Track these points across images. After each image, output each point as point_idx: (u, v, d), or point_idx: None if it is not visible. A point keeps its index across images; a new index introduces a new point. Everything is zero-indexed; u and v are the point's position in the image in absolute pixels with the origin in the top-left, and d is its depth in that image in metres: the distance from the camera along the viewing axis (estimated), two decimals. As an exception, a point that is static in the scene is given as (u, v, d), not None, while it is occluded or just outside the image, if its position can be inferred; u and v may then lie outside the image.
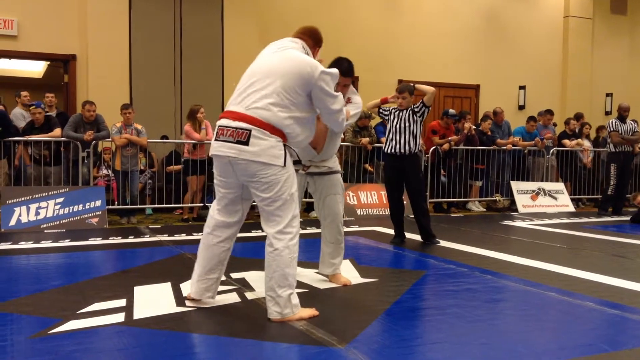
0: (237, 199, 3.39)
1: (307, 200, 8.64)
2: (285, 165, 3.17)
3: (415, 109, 6.26)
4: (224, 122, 3.21)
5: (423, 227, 6.14)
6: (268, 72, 3.22)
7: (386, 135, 6.26)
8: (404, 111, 6.17)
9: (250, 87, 3.22)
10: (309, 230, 6.83)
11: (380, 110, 6.27)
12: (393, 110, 6.22)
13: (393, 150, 6.07)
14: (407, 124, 6.12)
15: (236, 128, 3.13)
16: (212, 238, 3.45)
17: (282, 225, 3.20)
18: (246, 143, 3.10)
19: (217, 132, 3.24)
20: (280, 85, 3.16)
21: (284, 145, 3.19)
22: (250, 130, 3.10)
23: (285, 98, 3.16)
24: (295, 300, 3.26)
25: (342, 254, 4.24)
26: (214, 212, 3.46)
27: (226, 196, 3.39)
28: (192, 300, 3.54)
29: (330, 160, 4.15)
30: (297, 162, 3.48)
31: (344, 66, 4.02)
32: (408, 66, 11.69)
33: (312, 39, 3.58)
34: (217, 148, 3.22)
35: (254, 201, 3.38)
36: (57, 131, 7.41)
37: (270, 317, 3.23)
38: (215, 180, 3.42)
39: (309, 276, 4.38)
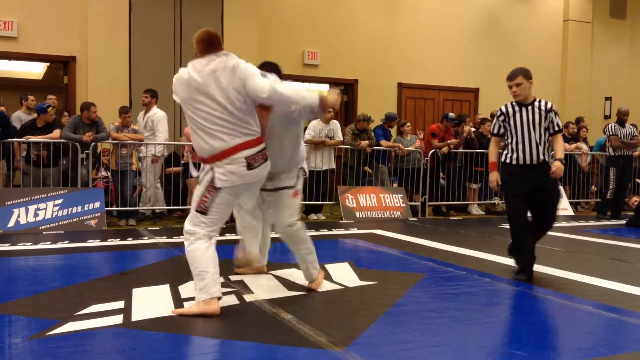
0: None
1: (307, 202, 8.65)
2: None
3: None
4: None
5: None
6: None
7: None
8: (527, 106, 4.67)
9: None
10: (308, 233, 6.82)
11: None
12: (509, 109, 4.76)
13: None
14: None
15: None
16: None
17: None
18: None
19: (248, 162, 3.41)
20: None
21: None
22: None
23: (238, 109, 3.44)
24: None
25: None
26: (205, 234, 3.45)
27: (224, 218, 3.55)
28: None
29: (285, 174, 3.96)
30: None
31: (266, 66, 3.91)
32: (408, 69, 11.71)
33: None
34: (256, 174, 3.47)
35: None
36: (57, 132, 7.41)
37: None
38: (223, 209, 3.47)
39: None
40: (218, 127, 3.36)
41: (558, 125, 4.62)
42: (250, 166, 3.42)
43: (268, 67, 3.90)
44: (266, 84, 3.42)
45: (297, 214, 4.03)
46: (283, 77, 3.87)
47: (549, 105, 4.65)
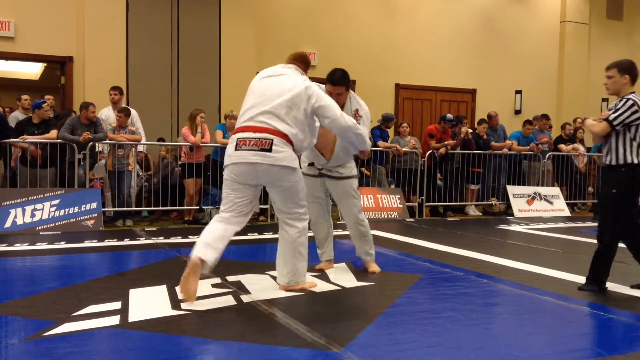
0: (247, 204, 3.88)
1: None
2: (298, 168, 3.82)
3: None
4: (244, 134, 3.75)
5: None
6: (272, 94, 3.78)
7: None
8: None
9: (258, 106, 3.78)
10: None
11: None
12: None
13: None
14: None
15: (260, 138, 3.69)
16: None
17: (299, 214, 3.91)
18: (269, 150, 3.67)
19: (237, 143, 3.75)
20: (290, 103, 3.74)
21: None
22: (272, 140, 3.68)
23: (289, 114, 3.73)
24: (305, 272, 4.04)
25: (372, 245, 4.76)
26: (219, 217, 3.86)
27: (236, 202, 3.85)
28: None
29: (343, 166, 4.50)
30: (311, 165, 4.50)
31: (335, 75, 4.34)
32: (405, 70, 11.72)
33: (304, 64, 4.10)
34: (240, 156, 3.73)
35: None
36: (54, 132, 7.40)
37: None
38: (227, 190, 3.86)
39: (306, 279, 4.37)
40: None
41: None
42: (237, 147, 3.74)
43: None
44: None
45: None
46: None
47: None
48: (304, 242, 3.96)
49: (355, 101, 4.47)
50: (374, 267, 4.74)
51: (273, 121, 3.71)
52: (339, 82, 4.31)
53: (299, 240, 3.93)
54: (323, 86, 4.35)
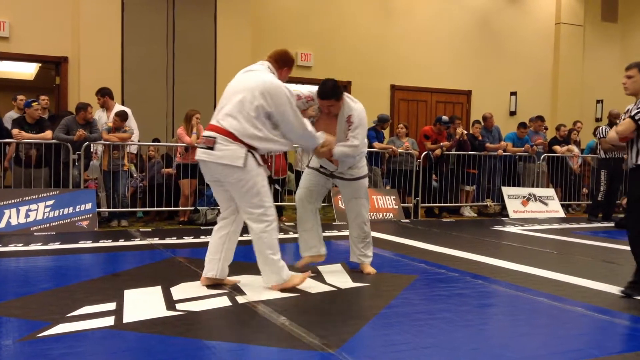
0: (226, 200, 4.01)
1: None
2: (245, 166, 3.74)
3: None
4: (204, 132, 3.92)
5: None
6: (236, 90, 3.87)
7: None
8: None
9: (222, 103, 3.92)
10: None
11: None
12: None
13: None
14: None
15: (207, 137, 3.81)
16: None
17: (255, 215, 3.83)
18: (212, 148, 3.77)
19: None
20: (245, 100, 3.77)
21: (249, 150, 3.76)
22: (215, 138, 3.76)
23: (249, 111, 3.76)
24: (285, 269, 3.97)
25: (371, 248, 4.76)
26: (217, 225, 4.10)
27: (219, 199, 4.03)
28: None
29: (355, 167, 4.51)
30: (323, 167, 4.54)
31: (322, 89, 4.30)
32: (401, 71, 11.73)
33: (278, 61, 4.09)
34: (198, 154, 3.91)
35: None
36: (49, 133, 7.37)
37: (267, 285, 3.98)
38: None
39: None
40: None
41: None
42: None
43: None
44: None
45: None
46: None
47: None
48: (267, 242, 3.86)
49: (348, 107, 4.37)
50: (370, 269, 4.72)
51: (225, 120, 3.78)
52: (326, 96, 4.26)
53: (260, 242, 3.87)
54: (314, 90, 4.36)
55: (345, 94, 4.41)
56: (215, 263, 4.03)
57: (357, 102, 4.47)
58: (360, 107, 4.45)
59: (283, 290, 3.95)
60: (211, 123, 3.89)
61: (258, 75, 3.91)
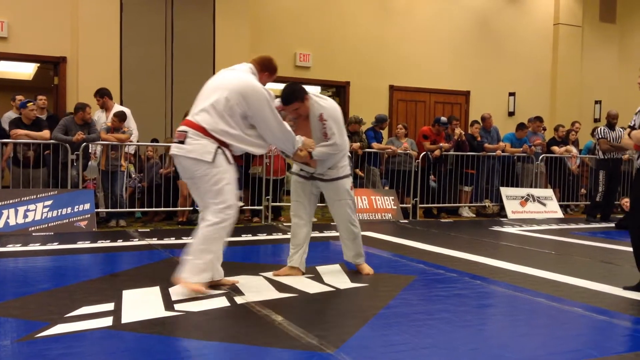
0: (197, 198, 4.07)
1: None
2: (213, 161, 3.72)
3: None
4: (178, 128, 3.93)
5: None
6: (214, 87, 3.89)
7: None
8: None
9: (199, 99, 3.92)
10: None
11: None
12: None
13: None
14: None
15: (180, 131, 3.84)
16: None
17: (215, 208, 3.79)
18: (182, 142, 3.79)
19: None
20: (221, 97, 3.77)
21: (219, 147, 3.75)
22: (187, 132, 3.78)
23: (224, 109, 3.76)
24: (203, 275, 3.82)
25: (361, 245, 4.71)
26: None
27: (195, 196, 4.13)
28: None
29: (334, 167, 4.42)
30: (302, 171, 4.45)
31: (283, 95, 4.26)
32: (399, 72, 11.74)
33: (260, 65, 4.08)
34: (171, 149, 3.97)
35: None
36: (46, 132, 7.36)
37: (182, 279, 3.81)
38: None
39: (299, 281, 4.37)
40: None
41: None
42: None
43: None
44: None
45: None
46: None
47: None
48: (208, 236, 3.78)
49: (319, 105, 4.27)
50: (368, 269, 4.71)
51: (199, 115, 3.79)
52: (288, 101, 4.20)
53: (202, 232, 3.79)
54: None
55: (313, 94, 4.32)
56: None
57: (327, 99, 4.39)
58: (331, 104, 4.36)
59: (183, 285, 3.79)
60: (186, 118, 3.89)
61: (238, 75, 3.92)
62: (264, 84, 4.00)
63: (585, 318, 3.61)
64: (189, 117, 3.88)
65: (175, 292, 3.87)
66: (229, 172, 3.82)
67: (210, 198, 3.81)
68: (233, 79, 3.89)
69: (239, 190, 4.51)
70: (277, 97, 4.17)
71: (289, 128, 4.01)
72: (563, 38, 13.36)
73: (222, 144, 3.77)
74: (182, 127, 3.85)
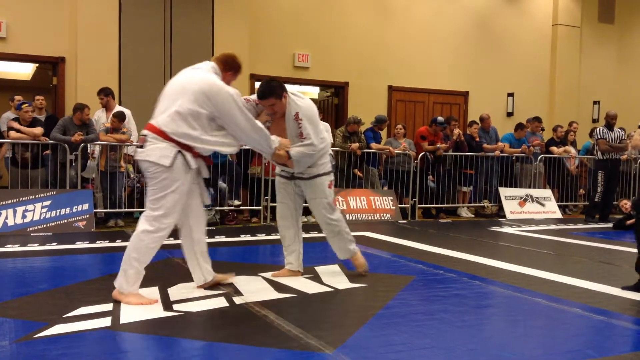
0: None
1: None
2: (171, 166, 3.60)
3: None
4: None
5: None
6: (177, 89, 3.73)
7: None
8: None
9: (161, 100, 3.79)
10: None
11: None
12: None
13: None
14: None
15: (141, 135, 3.84)
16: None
17: (150, 215, 3.68)
18: (142, 146, 3.72)
19: None
20: (185, 100, 3.63)
21: (179, 151, 3.62)
22: (146, 136, 3.69)
23: (188, 112, 3.62)
24: (136, 284, 3.70)
25: (347, 239, 4.56)
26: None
27: None
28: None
29: (314, 165, 4.32)
30: (283, 172, 4.39)
31: (260, 90, 4.15)
32: (398, 72, 11.73)
33: (224, 63, 3.92)
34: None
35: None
36: (39, 129, 7.33)
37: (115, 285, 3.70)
38: None
39: (298, 281, 4.37)
40: None
41: None
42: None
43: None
44: None
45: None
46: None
47: None
48: (139, 245, 3.65)
49: (295, 104, 4.16)
50: (360, 260, 4.61)
51: (161, 118, 3.67)
52: (264, 96, 4.09)
53: (134, 241, 3.66)
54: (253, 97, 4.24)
55: (292, 92, 4.22)
56: (197, 271, 4.00)
57: (304, 98, 4.28)
58: (307, 103, 4.25)
59: (120, 300, 3.65)
60: (149, 122, 3.76)
61: (201, 75, 3.75)
62: (229, 83, 3.87)
63: (584, 318, 3.61)
64: (150, 121, 3.75)
65: (173, 293, 3.87)
66: (180, 181, 3.65)
67: (150, 201, 3.67)
68: (195, 79, 3.72)
69: (208, 191, 4.40)
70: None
71: (261, 126, 3.88)
72: (562, 39, 13.37)
73: (184, 148, 3.64)
74: (144, 131, 3.75)
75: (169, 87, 3.81)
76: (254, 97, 4.22)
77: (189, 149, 3.65)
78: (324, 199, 4.40)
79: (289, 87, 4.15)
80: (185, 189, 3.71)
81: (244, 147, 4.75)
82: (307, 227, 7.69)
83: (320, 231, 7.29)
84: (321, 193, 4.39)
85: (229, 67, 3.92)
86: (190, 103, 3.62)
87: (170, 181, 3.62)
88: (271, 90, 4.08)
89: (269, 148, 3.95)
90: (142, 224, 3.67)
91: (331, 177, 4.47)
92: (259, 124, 3.88)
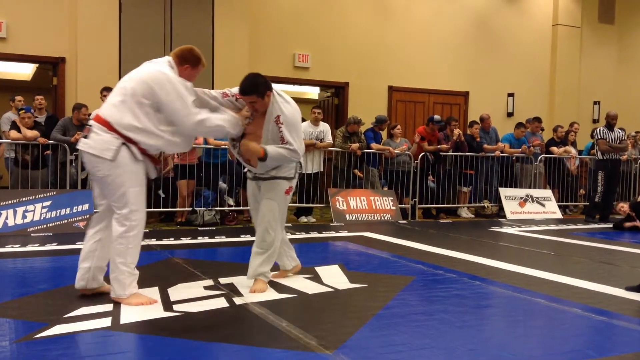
0: (101, 195, 3.73)
1: (297, 205, 8.67)
2: (114, 160, 3.48)
3: None
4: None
5: None
6: (124, 80, 3.64)
7: None
8: None
9: (111, 93, 3.67)
10: (298, 236, 6.83)
11: None
12: None
13: None
14: None
15: (87, 126, 3.65)
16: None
17: (118, 216, 3.55)
18: (86, 137, 3.58)
19: None
20: (129, 88, 3.55)
21: (124, 143, 3.50)
22: (92, 126, 3.57)
23: (132, 101, 3.52)
24: (132, 285, 3.63)
25: (265, 261, 4.09)
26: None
27: (94, 193, 3.86)
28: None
29: (277, 168, 4.05)
30: (248, 170, 4.15)
31: (242, 84, 3.97)
32: (398, 72, 11.74)
33: (179, 57, 3.80)
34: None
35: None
36: (33, 132, 7.32)
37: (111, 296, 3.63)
38: None
39: (298, 281, 4.37)
40: None
41: None
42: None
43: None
44: None
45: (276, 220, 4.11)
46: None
47: None
48: (119, 249, 3.54)
49: (278, 106, 3.93)
50: (257, 286, 4.04)
51: (106, 108, 3.56)
52: (244, 92, 3.90)
53: (114, 247, 3.56)
54: (233, 90, 4.05)
55: (278, 92, 4.01)
56: (85, 272, 3.73)
57: (289, 102, 4.03)
58: (292, 108, 4.00)
59: (120, 302, 3.61)
60: (96, 112, 3.68)
61: (151, 67, 3.65)
62: (189, 78, 3.76)
63: (584, 318, 3.61)
64: (97, 111, 3.67)
65: (174, 293, 3.87)
66: (133, 173, 3.54)
67: (114, 202, 3.56)
68: (144, 70, 3.63)
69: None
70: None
71: (216, 122, 3.72)
72: (562, 39, 13.38)
73: (128, 140, 3.50)
74: (90, 121, 3.63)
75: (121, 79, 3.69)
76: (236, 90, 4.03)
77: (134, 143, 3.53)
78: (275, 202, 4.07)
79: (289, 88, 4.10)
80: (142, 178, 3.61)
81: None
82: (307, 227, 7.70)
83: (320, 231, 7.33)
84: (275, 195, 4.07)
85: (185, 61, 3.78)
86: (133, 91, 3.51)
87: (123, 176, 3.51)
88: (253, 88, 3.89)
89: (221, 134, 3.94)
90: (115, 228, 3.55)
91: (292, 183, 4.15)
92: (218, 115, 3.78)
